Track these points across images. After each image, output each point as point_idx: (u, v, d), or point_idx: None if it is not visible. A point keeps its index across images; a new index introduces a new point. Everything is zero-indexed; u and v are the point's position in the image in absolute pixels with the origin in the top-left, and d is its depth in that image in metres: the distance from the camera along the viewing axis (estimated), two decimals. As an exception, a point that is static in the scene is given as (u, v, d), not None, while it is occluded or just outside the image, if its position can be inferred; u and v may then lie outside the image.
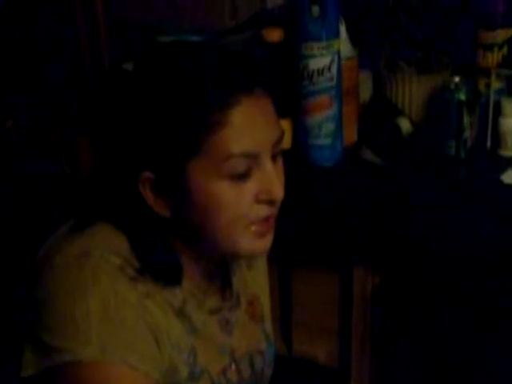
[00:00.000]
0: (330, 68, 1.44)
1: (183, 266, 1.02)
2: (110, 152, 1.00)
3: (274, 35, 1.50)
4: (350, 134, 1.56)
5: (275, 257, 1.77)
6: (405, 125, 1.53)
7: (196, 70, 0.93)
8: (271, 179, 0.97)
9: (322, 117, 1.47)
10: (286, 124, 1.56)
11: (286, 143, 1.56)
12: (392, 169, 1.50)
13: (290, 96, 1.53)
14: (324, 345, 1.82)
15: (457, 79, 1.48)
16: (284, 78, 1.52)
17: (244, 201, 0.96)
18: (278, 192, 0.98)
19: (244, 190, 0.95)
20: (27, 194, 1.78)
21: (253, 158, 0.94)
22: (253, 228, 0.98)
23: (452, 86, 1.47)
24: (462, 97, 1.45)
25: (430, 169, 1.48)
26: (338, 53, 1.45)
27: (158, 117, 0.93)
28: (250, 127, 0.93)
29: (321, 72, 1.44)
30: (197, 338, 1.04)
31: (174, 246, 1.02)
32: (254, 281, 1.22)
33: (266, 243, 1.01)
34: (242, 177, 0.95)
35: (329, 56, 1.43)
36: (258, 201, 0.97)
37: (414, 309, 1.64)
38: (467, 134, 1.47)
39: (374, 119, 1.57)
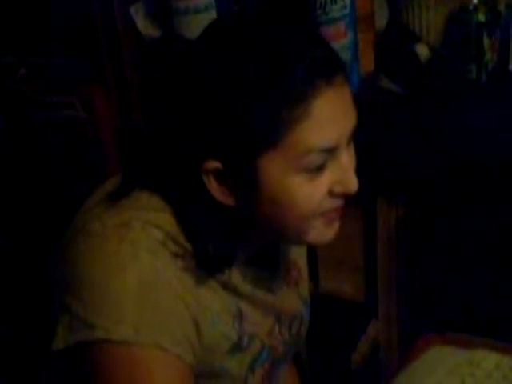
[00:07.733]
0: (343, -5, 1.41)
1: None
2: (174, 133, 0.93)
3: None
4: (367, 63, 1.53)
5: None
6: (423, 51, 1.50)
7: (280, 54, 0.86)
8: (347, 172, 0.92)
9: (337, 46, 1.43)
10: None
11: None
12: (411, 96, 1.47)
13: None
14: (350, 280, 1.81)
15: (475, 0, 1.43)
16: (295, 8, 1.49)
17: (318, 194, 0.91)
18: (354, 185, 0.93)
19: (319, 184, 0.91)
20: (43, 142, 1.77)
21: (331, 151, 0.90)
22: (322, 218, 0.94)
23: (470, 7, 1.42)
24: (482, 18, 1.41)
25: (450, 94, 1.45)
26: (351, -22, 1.42)
27: (232, 103, 0.86)
28: (330, 120, 0.88)
29: (334, 0, 1.40)
30: (243, 303, 1.03)
31: (225, 233, 0.96)
32: (291, 246, 1.19)
33: (333, 231, 0.98)
34: (318, 169, 0.90)
35: (341, -18, 1.40)
36: (332, 193, 0.92)
37: (438, 240, 1.62)
38: (488, 56, 1.43)
39: (390, 46, 1.54)
